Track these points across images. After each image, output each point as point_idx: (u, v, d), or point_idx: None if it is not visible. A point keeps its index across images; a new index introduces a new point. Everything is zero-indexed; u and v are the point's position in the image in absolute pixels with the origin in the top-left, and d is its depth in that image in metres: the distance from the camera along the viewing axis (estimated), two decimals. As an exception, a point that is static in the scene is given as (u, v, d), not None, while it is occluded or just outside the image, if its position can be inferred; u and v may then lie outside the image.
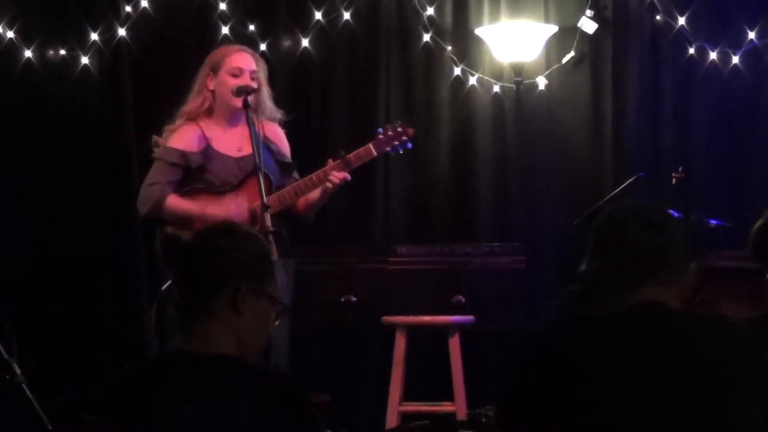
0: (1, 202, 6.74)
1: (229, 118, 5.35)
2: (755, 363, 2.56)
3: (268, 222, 4.98)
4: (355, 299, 5.91)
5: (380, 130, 5.47)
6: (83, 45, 6.83)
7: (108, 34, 6.82)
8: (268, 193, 5.16)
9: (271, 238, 4.83)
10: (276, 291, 2.71)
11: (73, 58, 6.84)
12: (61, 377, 6.30)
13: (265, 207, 5.00)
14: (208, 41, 6.71)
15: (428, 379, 6.31)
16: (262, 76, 5.36)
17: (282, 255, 5.09)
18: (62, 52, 6.84)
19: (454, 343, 5.99)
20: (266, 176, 5.17)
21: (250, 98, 5.20)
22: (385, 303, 6.00)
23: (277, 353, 5.22)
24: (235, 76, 5.28)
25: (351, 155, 5.34)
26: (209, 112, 5.35)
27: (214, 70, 5.32)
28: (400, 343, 6.03)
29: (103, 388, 2.64)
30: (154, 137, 5.42)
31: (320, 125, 6.81)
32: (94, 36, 6.82)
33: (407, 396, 6.10)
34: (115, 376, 2.69)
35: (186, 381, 2.55)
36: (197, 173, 5.28)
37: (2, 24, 6.80)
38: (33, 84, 6.83)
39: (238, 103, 5.22)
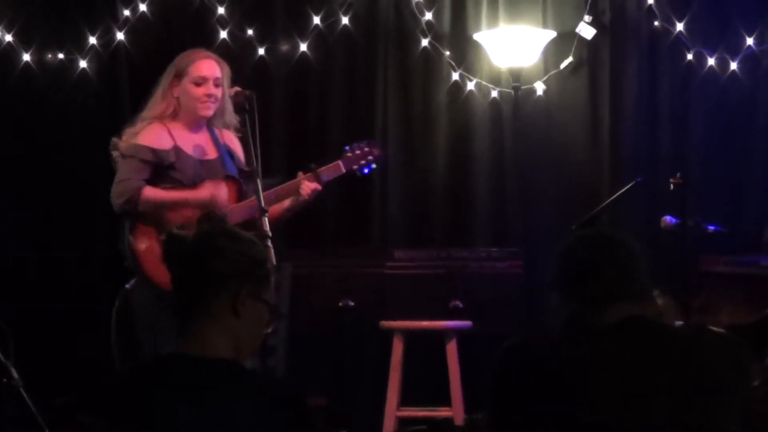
0: (0, 204, 6.74)
1: (192, 124, 5.29)
2: (739, 367, 2.60)
3: (266, 226, 4.97)
4: (352, 304, 5.92)
5: (347, 147, 5.46)
6: (81, 49, 6.83)
7: (106, 38, 6.82)
8: (240, 200, 5.16)
9: (269, 242, 4.83)
10: (272, 297, 2.72)
11: (72, 62, 6.84)
12: (58, 378, 6.30)
13: (262, 211, 4.99)
14: (207, 45, 6.70)
15: (425, 383, 6.30)
16: (226, 82, 5.28)
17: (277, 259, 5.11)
18: (60, 55, 6.84)
19: (452, 348, 5.99)
20: (238, 182, 5.19)
21: (210, 91, 5.19)
22: (382, 307, 6.00)
23: (275, 357, 5.22)
24: (198, 84, 5.22)
25: (321, 169, 5.31)
26: (174, 116, 5.30)
27: (179, 76, 5.24)
28: (398, 348, 6.03)
29: (101, 390, 2.64)
30: (114, 139, 5.29)
31: (318, 130, 6.81)
32: (92, 40, 6.83)
33: (404, 401, 6.10)
34: (113, 377, 2.69)
35: (185, 383, 2.55)
36: (166, 172, 5.19)
37: (1, 27, 6.80)
38: (31, 87, 6.83)
39: (203, 111, 5.20)
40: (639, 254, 2.71)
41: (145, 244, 5.05)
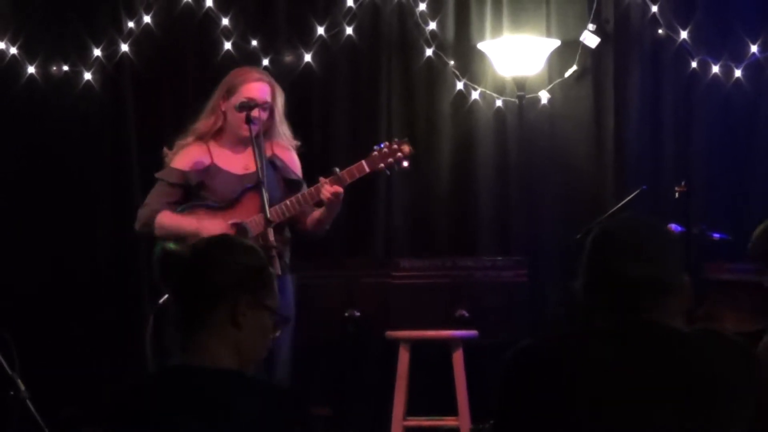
0: (3, 215, 6.75)
1: (236, 142, 5.34)
2: (748, 375, 2.59)
3: (272, 237, 4.98)
4: (358, 314, 5.91)
5: (376, 147, 5.44)
6: (86, 60, 6.85)
7: (111, 50, 6.83)
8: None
9: (273, 253, 4.84)
10: (275, 303, 2.71)
11: (76, 74, 6.85)
12: (63, 390, 6.30)
13: (268, 222, 4.99)
14: (211, 57, 6.74)
15: (432, 393, 6.30)
16: (280, 101, 5.35)
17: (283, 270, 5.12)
18: (65, 67, 6.86)
19: (458, 358, 5.98)
20: (260, 192, 5.19)
21: (254, 114, 5.18)
22: (388, 317, 6.00)
23: (280, 367, 5.22)
24: None
25: (344, 172, 5.32)
26: (219, 132, 5.36)
27: (229, 93, 5.30)
28: (404, 358, 6.03)
29: (104, 402, 2.64)
30: (165, 149, 5.45)
31: (322, 140, 6.81)
32: (96, 52, 6.84)
33: (411, 411, 6.09)
34: (116, 389, 2.69)
35: (186, 395, 2.55)
36: (196, 191, 5.31)
37: (5, 40, 6.82)
38: (36, 99, 6.85)
39: (245, 133, 5.18)
40: (660, 245, 2.65)
41: None
